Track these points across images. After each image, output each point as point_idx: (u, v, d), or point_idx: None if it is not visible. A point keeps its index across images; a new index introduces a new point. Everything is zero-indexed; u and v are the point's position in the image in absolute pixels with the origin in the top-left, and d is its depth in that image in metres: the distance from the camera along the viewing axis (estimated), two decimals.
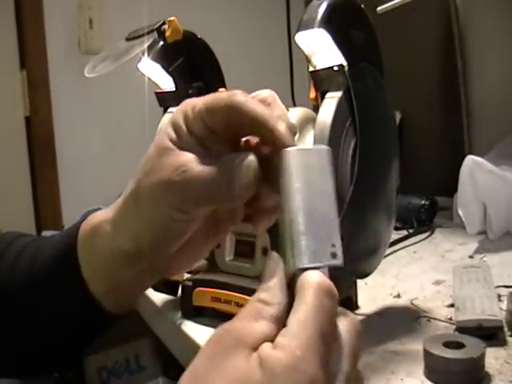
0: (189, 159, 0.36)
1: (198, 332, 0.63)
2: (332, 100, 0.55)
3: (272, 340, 0.29)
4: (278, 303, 0.31)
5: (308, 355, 0.28)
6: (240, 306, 0.61)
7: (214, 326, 0.64)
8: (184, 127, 0.37)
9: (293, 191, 0.31)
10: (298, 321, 0.29)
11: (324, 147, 0.33)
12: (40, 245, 0.47)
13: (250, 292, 0.61)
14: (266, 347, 0.29)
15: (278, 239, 0.33)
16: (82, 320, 0.45)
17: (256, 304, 0.31)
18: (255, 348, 0.29)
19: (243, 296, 0.61)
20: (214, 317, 0.65)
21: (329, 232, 0.31)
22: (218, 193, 0.35)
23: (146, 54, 0.71)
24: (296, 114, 0.62)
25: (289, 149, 0.32)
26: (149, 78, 0.76)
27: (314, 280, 0.30)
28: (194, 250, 0.42)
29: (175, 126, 0.38)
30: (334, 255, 0.31)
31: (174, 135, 0.37)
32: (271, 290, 0.32)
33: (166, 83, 0.75)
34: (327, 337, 0.29)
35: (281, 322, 0.30)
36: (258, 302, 0.31)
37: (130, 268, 0.41)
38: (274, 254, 0.33)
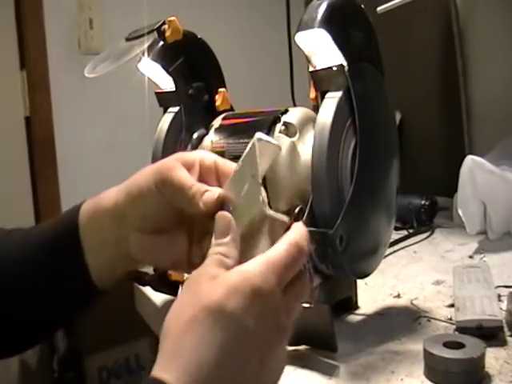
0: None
1: None
2: (332, 100, 0.55)
3: None
4: (234, 258, 0.39)
5: (260, 273, 0.36)
6: None
7: None
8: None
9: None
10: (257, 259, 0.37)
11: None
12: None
13: None
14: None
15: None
16: (73, 284, 0.49)
17: (217, 256, 0.38)
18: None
19: None
20: None
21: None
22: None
23: (146, 54, 0.71)
24: (296, 114, 0.62)
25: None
26: (149, 78, 0.76)
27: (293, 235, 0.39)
28: (171, 234, 0.47)
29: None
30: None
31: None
32: (228, 246, 0.39)
33: (166, 83, 0.75)
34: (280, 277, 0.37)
35: None
36: (218, 254, 0.39)
37: (114, 228, 0.47)
38: (224, 213, 0.41)
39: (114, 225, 0.47)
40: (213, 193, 0.43)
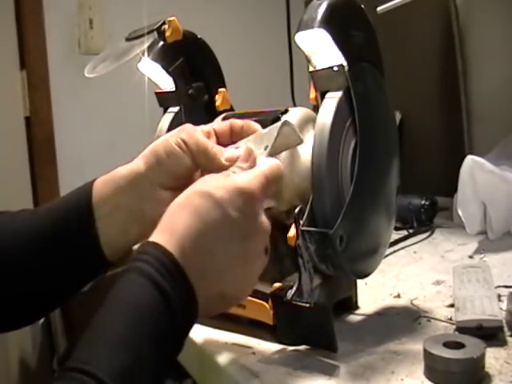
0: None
1: (198, 332, 0.63)
2: (332, 100, 0.55)
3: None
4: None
5: (253, 180, 0.46)
6: (240, 306, 0.61)
7: (214, 327, 0.64)
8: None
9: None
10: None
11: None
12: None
13: (252, 292, 0.61)
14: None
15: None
16: (83, 253, 0.51)
17: (229, 171, 0.48)
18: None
19: None
20: (216, 318, 0.65)
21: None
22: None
23: (145, 54, 0.71)
24: (296, 114, 0.62)
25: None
26: (149, 78, 0.76)
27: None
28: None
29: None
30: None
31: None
32: (242, 170, 0.48)
33: (166, 83, 0.75)
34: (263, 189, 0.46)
35: None
36: (232, 171, 0.48)
37: (130, 189, 0.51)
38: (252, 146, 0.50)
39: (131, 188, 0.51)
40: (234, 151, 0.51)
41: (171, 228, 0.43)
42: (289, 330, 0.57)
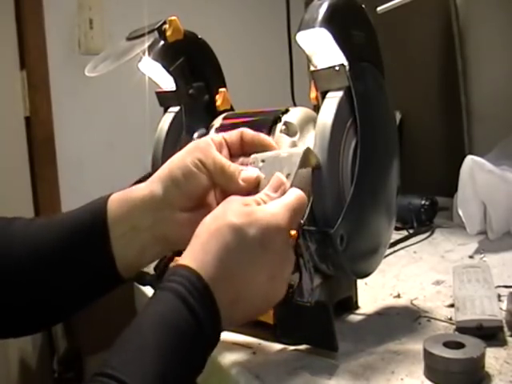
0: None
1: None
2: (333, 100, 0.55)
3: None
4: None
5: (283, 215, 0.46)
6: None
7: None
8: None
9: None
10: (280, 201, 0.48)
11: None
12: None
13: None
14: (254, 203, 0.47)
15: None
16: (96, 271, 0.51)
17: (257, 198, 0.48)
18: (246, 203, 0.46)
19: None
20: None
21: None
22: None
23: (146, 54, 0.71)
24: (297, 113, 0.62)
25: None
26: (149, 78, 0.76)
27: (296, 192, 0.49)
28: (207, 208, 0.51)
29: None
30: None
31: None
32: (271, 199, 0.48)
33: (167, 83, 0.75)
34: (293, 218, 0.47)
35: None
36: (260, 198, 0.48)
37: (149, 213, 0.50)
38: (281, 176, 0.50)
39: (149, 212, 0.51)
40: (252, 172, 0.51)
41: (202, 259, 0.43)
42: (290, 330, 0.57)
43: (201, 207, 0.51)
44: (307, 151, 0.52)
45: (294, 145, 0.59)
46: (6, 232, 0.52)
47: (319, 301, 0.55)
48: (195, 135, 0.72)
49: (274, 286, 0.47)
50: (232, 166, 0.51)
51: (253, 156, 0.53)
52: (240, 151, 0.54)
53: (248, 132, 0.54)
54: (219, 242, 0.44)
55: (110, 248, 0.50)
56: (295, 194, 0.48)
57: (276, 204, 0.47)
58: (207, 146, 0.52)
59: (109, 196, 0.52)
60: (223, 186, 0.51)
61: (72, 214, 0.53)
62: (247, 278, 0.44)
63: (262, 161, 0.52)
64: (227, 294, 0.43)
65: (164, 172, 0.52)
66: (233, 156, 0.53)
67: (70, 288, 0.51)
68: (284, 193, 0.49)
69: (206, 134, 0.70)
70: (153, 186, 0.51)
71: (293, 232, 0.52)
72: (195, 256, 0.44)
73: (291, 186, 0.50)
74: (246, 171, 0.51)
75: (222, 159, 0.51)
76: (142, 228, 0.51)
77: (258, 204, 0.47)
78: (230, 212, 0.45)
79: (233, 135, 0.54)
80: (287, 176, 0.50)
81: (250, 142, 0.54)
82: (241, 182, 0.50)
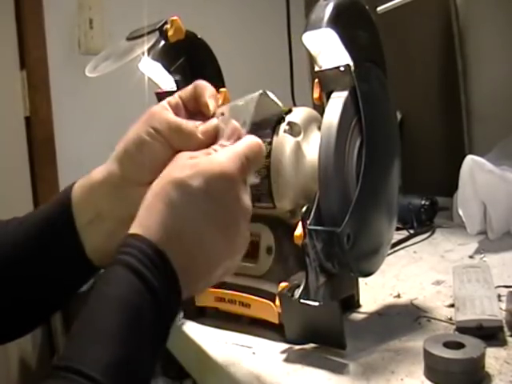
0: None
1: (199, 333, 0.63)
2: (338, 100, 0.55)
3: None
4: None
5: (231, 162, 0.43)
6: (244, 305, 0.62)
7: (215, 327, 0.64)
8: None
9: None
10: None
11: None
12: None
13: (255, 291, 0.61)
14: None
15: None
16: (67, 262, 0.50)
17: (210, 149, 0.46)
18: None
19: (248, 296, 0.61)
20: (216, 317, 0.65)
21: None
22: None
23: (146, 54, 0.71)
24: (300, 113, 0.62)
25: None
26: (149, 78, 0.76)
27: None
28: None
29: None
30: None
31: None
32: (222, 147, 0.46)
33: (167, 83, 0.75)
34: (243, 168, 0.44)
35: None
36: (212, 148, 0.46)
37: (110, 195, 0.49)
38: (236, 124, 0.48)
39: (110, 193, 0.49)
40: (209, 122, 0.48)
41: (148, 223, 0.41)
42: (296, 329, 0.57)
43: None
44: (262, 96, 0.49)
45: (298, 145, 0.59)
46: None
47: (327, 299, 0.55)
48: None
49: (230, 242, 0.43)
50: (189, 123, 0.48)
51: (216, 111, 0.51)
52: (197, 107, 0.50)
53: (199, 85, 0.51)
54: (163, 201, 0.41)
55: (77, 237, 0.49)
56: (248, 141, 0.46)
57: (224, 152, 0.45)
58: (161, 111, 0.49)
59: (73, 184, 0.51)
60: (185, 148, 0.47)
61: (42, 208, 0.52)
62: (198, 234, 0.42)
63: (222, 114, 0.50)
64: (181, 256, 0.41)
65: (119, 148, 0.49)
66: (191, 112, 0.51)
67: (48, 282, 0.51)
68: (239, 140, 0.46)
69: None
70: (110, 165, 0.50)
71: (298, 232, 0.51)
72: (141, 222, 0.42)
73: (247, 133, 0.47)
74: (203, 124, 0.48)
75: (177, 119, 0.48)
76: (105, 213, 0.49)
77: (208, 155, 0.45)
78: (174, 168, 0.43)
79: (187, 90, 0.51)
80: (243, 124, 0.48)
81: (203, 93, 0.51)
82: (200, 136, 0.47)
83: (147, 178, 0.47)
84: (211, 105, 0.50)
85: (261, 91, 0.50)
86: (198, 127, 0.48)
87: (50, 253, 0.50)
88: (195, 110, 0.51)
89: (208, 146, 0.47)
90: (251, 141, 0.46)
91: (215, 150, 0.45)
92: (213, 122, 0.48)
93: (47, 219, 0.51)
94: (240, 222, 0.44)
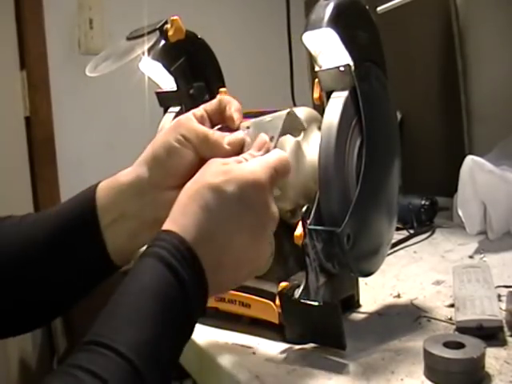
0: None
1: (199, 333, 0.63)
2: (338, 100, 0.55)
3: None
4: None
5: (262, 172, 0.46)
6: (244, 305, 0.62)
7: (215, 327, 0.64)
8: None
9: None
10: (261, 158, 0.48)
11: None
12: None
13: (255, 291, 0.61)
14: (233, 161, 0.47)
15: None
16: (88, 261, 0.51)
17: (240, 157, 0.48)
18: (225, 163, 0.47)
19: (248, 295, 0.61)
20: (216, 317, 0.65)
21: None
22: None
23: (146, 54, 0.71)
24: (300, 113, 0.62)
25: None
26: (149, 78, 0.76)
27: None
28: None
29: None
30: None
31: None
32: (253, 157, 0.48)
33: (167, 83, 0.75)
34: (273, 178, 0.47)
35: None
36: (242, 157, 0.48)
37: (137, 197, 0.50)
38: (265, 136, 0.51)
39: (137, 196, 0.50)
40: (236, 134, 0.51)
41: (183, 222, 0.43)
42: (297, 329, 0.57)
43: None
44: (290, 114, 0.53)
45: (298, 145, 0.59)
46: None
47: (328, 299, 0.55)
48: None
49: (257, 247, 0.46)
50: (216, 134, 0.51)
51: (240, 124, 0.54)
52: (221, 120, 0.54)
53: (224, 99, 0.54)
54: (198, 203, 0.44)
55: (100, 236, 0.50)
56: (278, 154, 0.49)
57: (256, 161, 0.47)
58: (188, 121, 0.51)
59: (97, 184, 0.52)
60: (210, 156, 0.50)
61: (62, 207, 0.53)
62: (229, 237, 0.44)
63: (247, 127, 0.53)
64: (211, 256, 0.43)
65: (148, 153, 0.51)
66: (215, 126, 0.53)
67: (66, 280, 0.52)
68: (267, 152, 0.49)
69: None
70: (138, 169, 0.51)
71: (298, 232, 0.52)
72: (176, 220, 0.44)
73: (275, 147, 0.51)
74: (230, 135, 0.51)
75: (205, 129, 0.51)
76: (130, 214, 0.51)
77: (239, 163, 0.47)
78: (209, 173, 0.46)
79: (212, 103, 0.54)
80: (271, 139, 0.51)
81: (228, 107, 0.54)
82: (226, 147, 0.50)
83: (174, 182, 0.50)
84: (236, 118, 0.53)
85: (288, 110, 0.53)
86: (225, 138, 0.50)
87: (72, 252, 0.51)
88: (219, 123, 0.54)
89: (232, 156, 0.49)
90: (281, 155, 0.49)
91: (246, 159, 0.48)
92: (239, 134, 0.51)
93: (71, 217, 0.51)
94: (268, 228, 0.47)
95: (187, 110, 0.74)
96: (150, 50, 0.71)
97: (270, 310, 0.59)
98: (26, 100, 1.60)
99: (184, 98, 0.74)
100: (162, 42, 0.71)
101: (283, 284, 0.57)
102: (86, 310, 0.53)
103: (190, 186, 0.45)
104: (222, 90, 0.75)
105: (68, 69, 1.62)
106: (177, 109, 0.74)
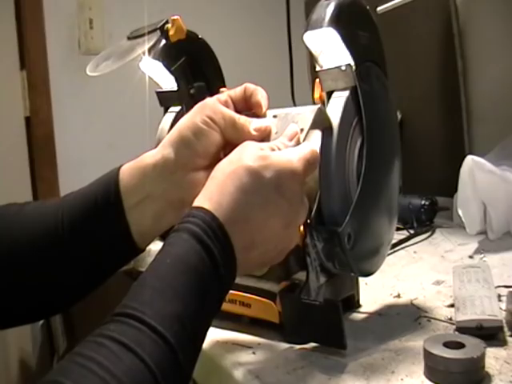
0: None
1: None
2: (339, 99, 0.56)
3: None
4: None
5: (298, 163, 0.47)
6: (245, 305, 0.62)
7: (216, 327, 0.64)
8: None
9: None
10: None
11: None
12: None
13: (256, 291, 0.61)
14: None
15: None
16: (112, 243, 0.51)
17: (272, 144, 0.49)
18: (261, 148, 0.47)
19: (248, 295, 0.61)
20: (217, 317, 0.65)
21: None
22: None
23: (147, 53, 0.71)
24: None
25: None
26: (149, 78, 0.76)
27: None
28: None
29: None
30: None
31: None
32: (286, 147, 0.49)
33: (167, 82, 0.75)
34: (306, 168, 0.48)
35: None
36: (275, 145, 0.49)
37: (162, 178, 0.50)
38: (296, 126, 0.51)
39: (163, 177, 0.50)
40: (263, 121, 0.52)
41: (218, 200, 0.43)
42: (297, 329, 0.57)
43: (214, 166, 0.50)
44: (320, 109, 0.53)
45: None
46: (18, 216, 0.52)
47: (328, 299, 0.55)
48: None
49: (287, 233, 0.47)
50: (242, 118, 0.51)
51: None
52: (245, 107, 0.54)
53: (250, 87, 0.54)
54: (235, 183, 0.44)
55: (124, 219, 0.50)
56: (311, 147, 0.49)
57: (291, 151, 0.48)
58: (215, 104, 0.52)
59: (120, 167, 0.52)
60: (235, 140, 0.50)
61: (84, 190, 0.53)
62: (262, 221, 0.45)
63: (274, 116, 0.53)
64: (242, 236, 0.44)
65: (174, 135, 0.52)
66: (239, 113, 0.53)
67: (88, 263, 0.52)
68: (298, 144, 0.50)
69: None
70: (164, 150, 0.51)
71: (301, 229, 0.52)
72: (211, 197, 0.44)
73: (304, 140, 0.51)
74: (257, 121, 0.51)
75: (232, 112, 0.51)
76: (155, 195, 0.51)
77: (273, 150, 0.48)
78: (246, 155, 0.46)
79: (237, 91, 0.54)
80: (301, 130, 0.51)
81: (253, 95, 0.54)
82: (253, 132, 0.51)
83: (201, 163, 0.50)
84: (264, 104, 0.53)
85: (319, 105, 0.53)
86: (251, 123, 0.51)
87: (95, 235, 0.51)
88: (243, 110, 0.54)
89: (260, 141, 0.50)
90: (313, 148, 0.50)
91: (279, 148, 0.48)
92: (267, 121, 0.52)
93: (94, 199, 0.51)
94: (299, 217, 0.48)
95: (187, 110, 0.74)
96: (150, 49, 0.71)
97: (271, 310, 0.59)
98: (26, 100, 1.60)
99: (184, 98, 0.74)
100: (163, 41, 0.71)
101: (284, 283, 0.57)
102: (86, 310, 0.53)
103: (227, 166, 0.46)
104: (222, 89, 0.75)
105: (68, 69, 1.61)
106: (177, 108, 0.74)
